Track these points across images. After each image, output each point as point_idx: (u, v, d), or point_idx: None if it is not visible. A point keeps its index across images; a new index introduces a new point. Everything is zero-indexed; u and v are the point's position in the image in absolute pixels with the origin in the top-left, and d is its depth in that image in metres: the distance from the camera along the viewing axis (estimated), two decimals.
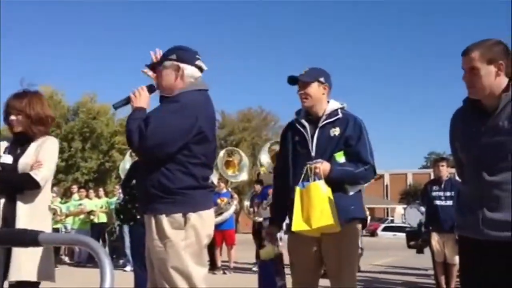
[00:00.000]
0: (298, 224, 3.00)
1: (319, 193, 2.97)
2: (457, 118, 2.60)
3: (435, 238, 7.04)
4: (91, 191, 12.94)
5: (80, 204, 11.75)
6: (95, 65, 66.07)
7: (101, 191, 12.90)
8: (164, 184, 2.70)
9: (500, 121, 2.33)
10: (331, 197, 3.00)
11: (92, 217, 11.74)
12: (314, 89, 3.25)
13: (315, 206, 2.96)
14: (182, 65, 2.87)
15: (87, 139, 33.01)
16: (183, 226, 2.70)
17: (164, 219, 2.69)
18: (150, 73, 3.06)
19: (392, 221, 38.81)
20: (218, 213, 9.72)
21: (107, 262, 1.23)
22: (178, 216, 2.70)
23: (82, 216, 11.74)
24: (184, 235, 2.70)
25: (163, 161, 2.71)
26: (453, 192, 6.79)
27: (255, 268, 9.98)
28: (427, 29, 77.70)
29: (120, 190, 10.39)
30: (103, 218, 11.86)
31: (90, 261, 11.27)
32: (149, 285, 2.89)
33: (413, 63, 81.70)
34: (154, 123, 2.68)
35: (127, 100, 2.89)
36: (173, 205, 2.70)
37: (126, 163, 8.81)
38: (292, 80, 3.30)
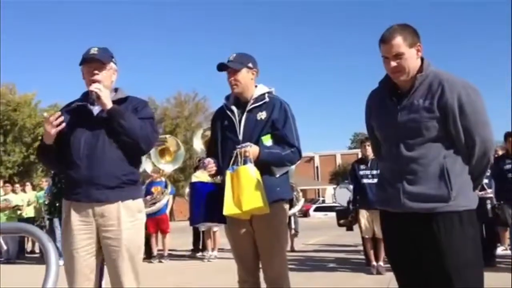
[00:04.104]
0: (229, 207, 3.05)
1: (249, 176, 3.04)
2: (373, 98, 2.73)
3: (364, 215, 7.34)
4: (17, 185, 12.42)
5: (5, 200, 11.27)
6: (13, 56, 62.93)
7: (28, 185, 12.41)
8: (133, 173, 3.04)
9: (415, 99, 2.48)
10: (260, 180, 3.07)
11: (19, 212, 11.32)
12: (244, 75, 3.31)
13: (244, 189, 3.02)
14: (116, 67, 3.18)
15: (8, 132, 31.45)
16: (141, 208, 3.11)
17: (132, 203, 3.01)
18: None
19: (323, 201, 39.92)
20: (152, 203, 9.62)
21: (51, 246, 1.24)
22: (140, 201, 3.11)
23: (7, 212, 11.28)
24: (142, 216, 3.12)
25: (140, 153, 3.12)
26: (379, 170, 7.11)
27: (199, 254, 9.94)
28: (349, 12, 79.68)
29: (49, 182, 10.05)
30: (31, 213, 11.47)
31: (20, 257, 10.90)
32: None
33: (339, 49, 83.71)
34: (156, 125, 3.17)
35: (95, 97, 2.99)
36: (135, 190, 3.07)
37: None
38: (222, 67, 3.33)
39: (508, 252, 7.81)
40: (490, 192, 7.29)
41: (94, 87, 2.96)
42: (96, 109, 3.03)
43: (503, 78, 75.51)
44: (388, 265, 6.81)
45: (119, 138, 2.95)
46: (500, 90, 70.75)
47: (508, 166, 6.91)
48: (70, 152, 2.97)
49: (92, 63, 3.02)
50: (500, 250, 8.48)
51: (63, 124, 2.97)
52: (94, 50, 3.04)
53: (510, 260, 7.17)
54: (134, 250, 2.98)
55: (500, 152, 7.09)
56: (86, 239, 2.95)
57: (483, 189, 6.80)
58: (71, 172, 2.97)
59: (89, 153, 2.94)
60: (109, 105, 2.96)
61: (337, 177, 45.15)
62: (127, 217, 2.96)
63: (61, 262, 3.18)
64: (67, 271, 2.96)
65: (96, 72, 3.03)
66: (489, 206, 7.25)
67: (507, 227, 7.57)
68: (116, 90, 3.17)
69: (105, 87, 3.03)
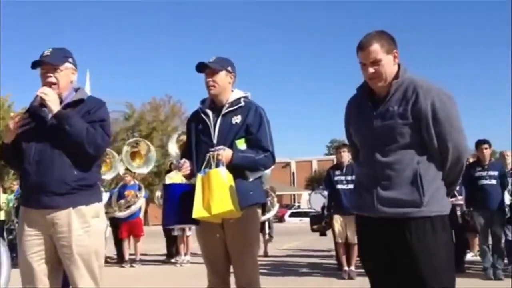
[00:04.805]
0: (198, 211, 3.04)
1: (220, 180, 3.03)
2: (352, 104, 2.76)
3: (337, 221, 7.41)
4: None
5: None
6: None
7: None
8: (85, 178, 2.97)
9: (390, 105, 2.51)
10: (232, 184, 3.06)
11: None
12: (222, 77, 3.31)
13: (215, 193, 3.01)
14: (74, 67, 3.12)
15: None
16: (99, 213, 3.06)
17: (85, 209, 2.96)
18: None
19: (298, 207, 40.00)
20: (126, 207, 9.52)
21: (3, 250, 1.21)
22: (97, 205, 3.05)
23: None
24: (100, 221, 3.08)
25: (90, 158, 2.98)
26: (354, 176, 7.16)
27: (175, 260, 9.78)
28: (330, 19, 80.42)
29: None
30: (1, 216, 11.23)
31: None
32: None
33: (316, 56, 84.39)
34: (109, 127, 3.07)
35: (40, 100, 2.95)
36: (89, 196, 3.00)
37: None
38: (201, 67, 3.32)
39: (477, 258, 7.93)
40: (460, 199, 7.41)
41: (39, 91, 2.93)
42: (50, 114, 2.98)
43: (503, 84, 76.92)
44: (359, 270, 6.90)
45: (66, 143, 2.91)
46: (501, 96, 72.18)
47: (478, 174, 7.03)
48: (23, 158, 2.95)
49: (44, 65, 2.99)
50: (469, 256, 8.62)
51: (27, 127, 2.95)
52: (47, 52, 3.00)
53: (479, 266, 7.30)
54: (89, 256, 2.95)
55: (471, 160, 7.21)
56: (38, 245, 2.94)
57: (453, 196, 6.91)
58: (23, 178, 2.98)
59: (39, 159, 2.91)
60: (55, 109, 2.92)
61: (313, 183, 45.29)
62: (79, 223, 2.93)
63: None
64: (21, 275, 2.98)
65: (49, 74, 2.99)
66: (459, 213, 7.38)
67: (476, 234, 7.69)
68: (77, 90, 3.13)
69: (62, 88, 3.01)
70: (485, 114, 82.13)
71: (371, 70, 2.51)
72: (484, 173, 7.03)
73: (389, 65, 2.51)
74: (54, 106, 2.93)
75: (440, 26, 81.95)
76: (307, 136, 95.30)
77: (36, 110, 3.02)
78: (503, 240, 7.02)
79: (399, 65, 2.56)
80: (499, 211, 6.94)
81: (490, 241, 7.06)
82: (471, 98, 71.40)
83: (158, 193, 10.48)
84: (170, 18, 76.03)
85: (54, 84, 2.99)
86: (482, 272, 6.99)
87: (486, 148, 7.15)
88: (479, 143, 7.18)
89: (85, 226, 2.95)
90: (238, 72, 3.44)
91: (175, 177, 8.53)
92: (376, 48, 2.49)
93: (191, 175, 3.27)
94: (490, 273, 6.81)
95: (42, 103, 2.95)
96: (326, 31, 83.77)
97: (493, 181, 6.99)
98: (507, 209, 7.16)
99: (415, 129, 2.46)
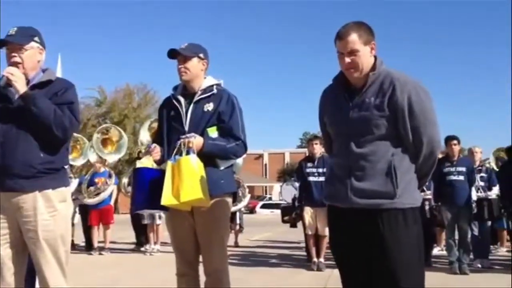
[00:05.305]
0: (167, 198, 3.01)
1: (190, 167, 3.00)
2: (327, 94, 2.75)
3: (308, 212, 7.46)
4: None
5: None
6: None
7: None
8: (52, 162, 2.90)
9: (366, 97, 2.51)
10: (203, 171, 3.04)
11: None
12: (194, 64, 3.27)
13: (184, 180, 2.98)
14: (41, 46, 3.04)
15: None
16: (66, 198, 3.00)
17: (51, 193, 2.90)
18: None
19: (270, 198, 40.18)
20: (95, 193, 9.40)
21: None
22: (63, 190, 2.98)
23: None
24: (67, 206, 3.01)
25: (57, 141, 2.91)
26: (325, 169, 7.20)
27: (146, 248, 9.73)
28: (309, 9, 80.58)
29: None
30: None
31: None
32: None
33: (290, 49, 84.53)
34: (77, 110, 2.99)
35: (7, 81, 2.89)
36: (56, 180, 2.93)
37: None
38: (173, 54, 3.27)
39: (444, 252, 8.09)
40: (428, 194, 7.53)
41: (6, 71, 2.86)
42: (17, 95, 2.90)
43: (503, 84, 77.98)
44: (329, 262, 6.96)
45: (33, 125, 2.83)
46: (501, 96, 73.24)
47: (446, 169, 7.15)
48: None
49: (9, 45, 2.92)
50: (436, 251, 8.79)
51: None
52: (12, 31, 2.93)
53: (445, 260, 7.44)
54: (55, 241, 2.90)
55: (440, 156, 7.32)
56: (3, 229, 2.89)
57: (422, 190, 6.99)
58: None
59: (4, 140, 2.84)
60: (21, 90, 2.85)
61: (285, 175, 45.50)
62: (45, 207, 2.87)
63: None
64: None
65: (13, 54, 2.93)
66: (427, 207, 7.50)
67: (443, 228, 7.84)
68: (45, 71, 3.06)
69: (28, 68, 2.95)
70: (485, 114, 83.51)
71: (347, 60, 2.50)
72: (453, 169, 7.15)
73: (366, 56, 2.51)
74: (21, 86, 2.86)
75: (441, 26, 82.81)
76: (280, 128, 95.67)
77: (2, 90, 2.93)
78: (469, 235, 7.17)
79: (375, 57, 2.56)
80: (466, 206, 7.07)
81: (456, 236, 7.20)
82: (472, 98, 72.49)
83: (125, 180, 10.34)
84: (150, 7, 75.02)
85: (19, 63, 2.92)
86: (448, 266, 7.12)
87: (455, 144, 7.27)
88: (448, 139, 7.29)
89: (51, 211, 2.89)
90: (212, 61, 3.40)
91: (145, 163, 8.45)
92: (354, 38, 2.48)
93: (161, 161, 3.23)
94: (456, 267, 6.94)
95: (9, 83, 2.86)
96: (299, 22, 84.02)
97: (461, 177, 7.11)
98: (473, 205, 7.32)
99: (391, 121, 2.47)
